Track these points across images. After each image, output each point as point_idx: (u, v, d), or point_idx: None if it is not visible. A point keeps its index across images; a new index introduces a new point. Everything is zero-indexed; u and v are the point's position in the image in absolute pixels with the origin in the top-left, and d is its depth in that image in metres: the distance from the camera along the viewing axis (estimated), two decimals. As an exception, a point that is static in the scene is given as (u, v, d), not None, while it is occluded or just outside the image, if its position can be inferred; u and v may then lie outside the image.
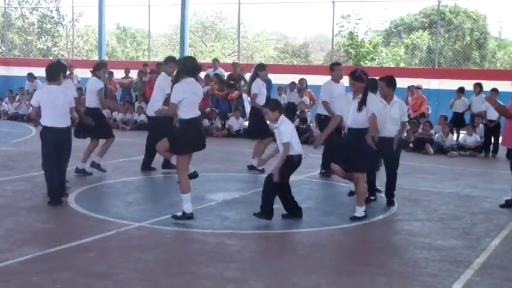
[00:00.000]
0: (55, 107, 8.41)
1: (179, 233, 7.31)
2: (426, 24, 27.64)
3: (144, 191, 9.74)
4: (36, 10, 32.56)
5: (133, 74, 20.25)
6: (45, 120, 8.46)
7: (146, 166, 11.25)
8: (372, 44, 25.02)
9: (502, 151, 14.74)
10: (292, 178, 10.64)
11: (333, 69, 11.04)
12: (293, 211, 7.95)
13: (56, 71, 8.62)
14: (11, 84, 24.19)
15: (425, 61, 24.46)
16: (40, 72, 22.62)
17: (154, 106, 10.49)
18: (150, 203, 8.74)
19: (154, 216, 7.94)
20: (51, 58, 25.91)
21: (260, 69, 11.66)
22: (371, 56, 24.52)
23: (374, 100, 8.03)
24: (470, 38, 27.42)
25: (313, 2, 24.89)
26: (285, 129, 7.61)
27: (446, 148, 14.83)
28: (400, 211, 8.71)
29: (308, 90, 17.86)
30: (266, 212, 7.62)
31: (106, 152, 10.80)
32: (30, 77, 22.32)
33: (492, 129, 14.84)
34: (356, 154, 7.87)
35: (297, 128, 16.21)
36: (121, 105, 18.29)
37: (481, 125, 15.31)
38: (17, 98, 21.72)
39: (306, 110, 17.50)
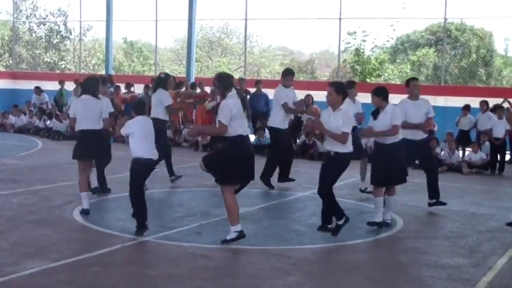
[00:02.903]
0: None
1: (184, 248, 7.29)
2: (433, 42, 27.67)
3: (150, 205, 9.73)
4: (44, 24, 32.72)
5: (140, 89, 20.27)
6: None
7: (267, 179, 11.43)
8: (379, 60, 25.01)
9: (508, 168, 14.75)
10: (298, 194, 10.66)
11: (409, 84, 9.61)
12: (138, 217, 7.78)
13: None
14: (18, 97, 24.27)
15: (431, 78, 24.46)
16: (47, 85, 22.98)
17: (275, 118, 11.33)
18: (155, 218, 8.71)
19: (159, 231, 7.93)
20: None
21: (349, 87, 10.19)
22: (377, 72, 24.50)
23: (223, 106, 7.27)
24: (476, 55, 27.43)
25: (320, 19, 24.94)
26: (129, 127, 7.70)
27: (455, 166, 14.74)
28: (406, 228, 8.68)
29: (314, 106, 17.86)
30: (140, 225, 7.69)
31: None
32: (37, 90, 22.41)
33: (498, 146, 14.81)
34: (216, 163, 7.50)
35: (304, 144, 16.42)
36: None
37: (487, 143, 15.28)
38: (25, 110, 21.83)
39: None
